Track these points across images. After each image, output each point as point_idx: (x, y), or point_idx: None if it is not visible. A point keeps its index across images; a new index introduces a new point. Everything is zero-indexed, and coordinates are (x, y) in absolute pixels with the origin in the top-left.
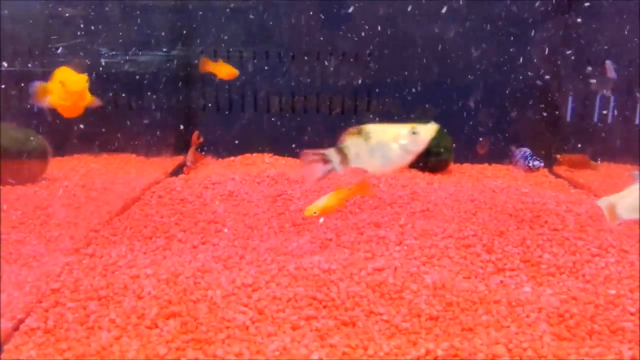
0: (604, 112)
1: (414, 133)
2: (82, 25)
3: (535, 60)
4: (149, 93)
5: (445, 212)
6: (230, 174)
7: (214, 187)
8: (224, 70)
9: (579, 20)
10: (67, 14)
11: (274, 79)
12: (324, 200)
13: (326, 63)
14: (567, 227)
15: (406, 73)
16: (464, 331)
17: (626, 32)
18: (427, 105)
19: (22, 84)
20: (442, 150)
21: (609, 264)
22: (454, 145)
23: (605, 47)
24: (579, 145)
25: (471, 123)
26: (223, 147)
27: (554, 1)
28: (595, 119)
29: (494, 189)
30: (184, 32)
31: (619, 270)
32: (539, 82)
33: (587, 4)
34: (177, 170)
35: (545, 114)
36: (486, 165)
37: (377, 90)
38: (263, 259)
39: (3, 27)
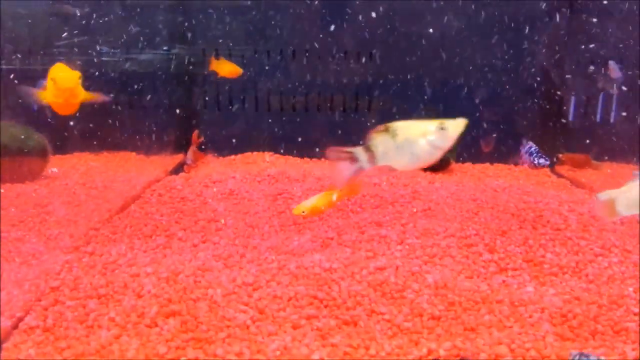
0: (607, 111)
1: (442, 129)
2: (82, 24)
3: (538, 59)
4: (149, 91)
5: (447, 212)
6: (231, 172)
7: (215, 186)
8: (227, 68)
9: (583, 18)
10: (67, 13)
11: (275, 77)
12: (313, 201)
13: (328, 61)
14: (569, 226)
15: (408, 71)
16: (466, 331)
17: (631, 31)
18: (419, 105)
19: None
20: None
21: (612, 264)
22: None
23: (611, 46)
24: (583, 144)
25: (473, 122)
26: (224, 145)
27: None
28: (598, 119)
29: (495, 188)
30: (185, 30)
31: (622, 270)
32: (541, 82)
33: (591, 3)
34: (178, 169)
35: (548, 113)
36: (488, 164)
37: (378, 88)
38: (264, 258)
39: (3, 27)
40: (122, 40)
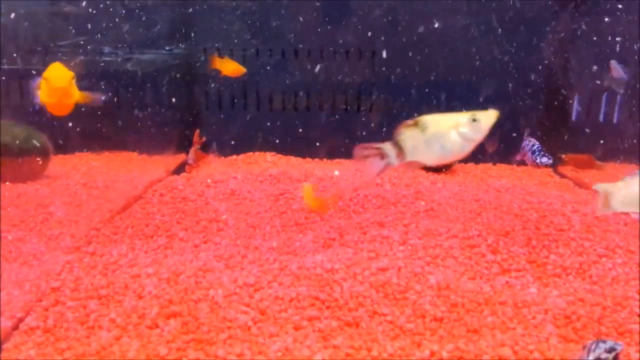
0: (611, 111)
1: (474, 120)
2: (84, 23)
3: (542, 59)
4: (151, 91)
5: (449, 212)
6: (233, 172)
7: (216, 186)
8: (230, 67)
9: (588, 17)
10: (68, 12)
11: (277, 77)
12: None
13: (330, 60)
14: (573, 227)
15: (410, 70)
16: (469, 333)
17: (635, 31)
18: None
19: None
20: None
21: (616, 265)
22: None
23: (615, 46)
24: (586, 144)
25: None
26: (225, 145)
27: None
28: (602, 119)
29: (498, 188)
30: (187, 29)
31: (626, 272)
32: (545, 82)
33: (597, 2)
34: (179, 169)
35: (551, 113)
36: (490, 165)
37: (381, 87)
38: (265, 259)
39: (3, 26)
40: (124, 39)
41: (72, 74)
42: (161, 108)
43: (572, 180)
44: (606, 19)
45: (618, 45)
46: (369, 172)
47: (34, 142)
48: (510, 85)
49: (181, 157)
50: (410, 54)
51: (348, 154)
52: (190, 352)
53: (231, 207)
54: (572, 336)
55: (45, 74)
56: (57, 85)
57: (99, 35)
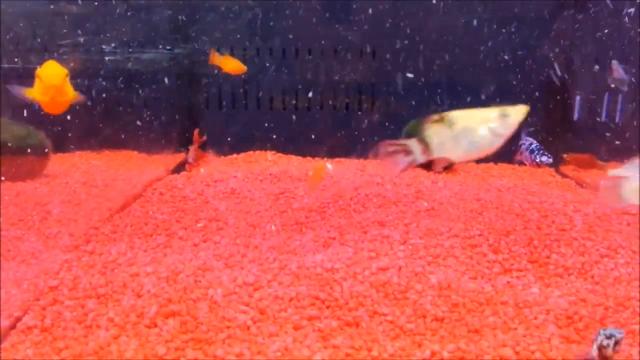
0: (613, 111)
1: (504, 115)
2: (84, 22)
3: (544, 58)
4: (151, 90)
5: (450, 212)
6: (233, 171)
7: (216, 185)
8: (231, 65)
9: (590, 17)
10: (69, 11)
11: (278, 76)
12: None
13: (331, 59)
14: (575, 227)
15: (412, 69)
16: (470, 333)
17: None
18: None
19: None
20: None
21: (618, 265)
22: None
23: (617, 46)
24: (588, 144)
25: None
26: (225, 144)
27: None
28: (604, 118)
29: (500, 188)
30: (187, 29)
31: (628, 272)
32: (547, 81)
33: (598, 2)
34: (179, 168)
35: (553, 113)
36: (492, 164)
37: (381, 87)
38: (265, 258)
39: (3, 25)
40: (124, 38)
41: (66, 71)
42: (161, 107)
43: (574, 180)
44: (609, 18)
45: (620, 45)
46: (393, 169)
47: (33, 140)
48: (511, 84)
49: (181, 156)
50: (411, 53)
51: (348, 153)
52: (189, 351)
53: (231, 206)
54: (574, 336)
55: (39, 71)
56: (51, 82)
57: (99, 34)
